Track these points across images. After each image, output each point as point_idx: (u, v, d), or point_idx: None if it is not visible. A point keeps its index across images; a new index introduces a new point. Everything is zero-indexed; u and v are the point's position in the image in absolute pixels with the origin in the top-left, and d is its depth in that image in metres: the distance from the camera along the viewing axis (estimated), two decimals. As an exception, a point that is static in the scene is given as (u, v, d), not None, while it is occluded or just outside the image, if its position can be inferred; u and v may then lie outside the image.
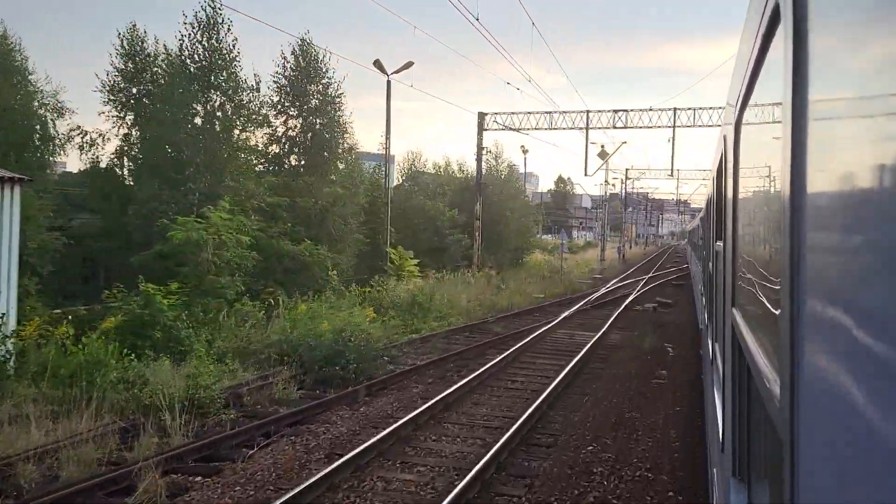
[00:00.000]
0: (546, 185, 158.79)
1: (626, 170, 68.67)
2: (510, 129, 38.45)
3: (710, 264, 6.21)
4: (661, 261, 69.67)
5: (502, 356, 16.03)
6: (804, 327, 1.09)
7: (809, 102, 1.10)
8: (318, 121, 23.75)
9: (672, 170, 37.42)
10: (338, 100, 23.86)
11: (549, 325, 21.37)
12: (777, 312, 1.35)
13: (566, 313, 24.52)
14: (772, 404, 1.42)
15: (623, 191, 70.54)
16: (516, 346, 17.23)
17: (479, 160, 39.08)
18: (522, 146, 53.28)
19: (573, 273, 45.96)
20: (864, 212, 0.78)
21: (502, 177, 44.89)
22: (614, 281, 40.87)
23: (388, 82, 26.70)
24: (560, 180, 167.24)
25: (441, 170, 43.78)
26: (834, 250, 0.95)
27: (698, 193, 70.13)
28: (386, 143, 27.30)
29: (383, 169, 30.92)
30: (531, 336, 19.07)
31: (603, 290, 34.25)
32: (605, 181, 56.78)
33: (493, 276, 34.71)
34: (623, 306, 27.52)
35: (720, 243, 3.97)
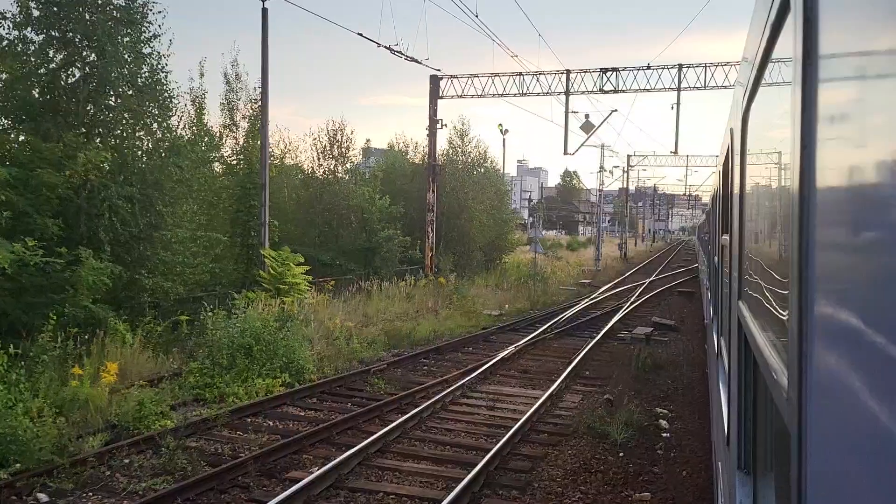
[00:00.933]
0: (556, 180, 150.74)
1: (629, 156, 59.59)
2: (470, 96, 29.65)
3: (716, 258, 6.23)
4: (668, 259, 61.11)
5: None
6: (813, 320, 1.09)
7: (819, 95, 1.09)
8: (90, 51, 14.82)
9: (676, 146, 28.58)
10: (135, 15, 14.81)
11: (468, 378, 13.62)
12: (784, 306, 1.35)
13: (512, 348, 16.63)
14: (779, 397, 1.42)
15: (625, 180, 61.44)
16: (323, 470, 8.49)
17: (432, 135, 30.56)
18: (500, 125, 44.41)
19: (557, 277, 37.10)
20: (873, 206, 0.78)
21: (469, 158, 35.99)
22: (605, 288, 32.83)
23: (264, 10, 18.04)
24: (567, 174, 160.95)
25: (396, 149, 34.84)
26: (842, 244, 0.95)
27: (710, 186, 61.22)
28: (262, 97, 18.64)
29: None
30: (410, 413, 11.27)
31: (585, 303, 26.29)
32: (601, 167, 47.68)
33: (447, 285, 25.98)
34: (604, 332, 19.60)
35: (726, 237, 4.00)
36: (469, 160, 37.39)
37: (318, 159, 27.49)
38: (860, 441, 0.81)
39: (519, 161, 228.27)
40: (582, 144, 29.28)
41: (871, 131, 0.79)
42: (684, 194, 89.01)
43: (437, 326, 19.36)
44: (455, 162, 36.31)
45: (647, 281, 36.70)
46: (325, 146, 27.48)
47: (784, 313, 1.40)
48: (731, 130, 3.42)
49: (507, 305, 24.68)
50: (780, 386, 1.39)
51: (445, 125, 30.70)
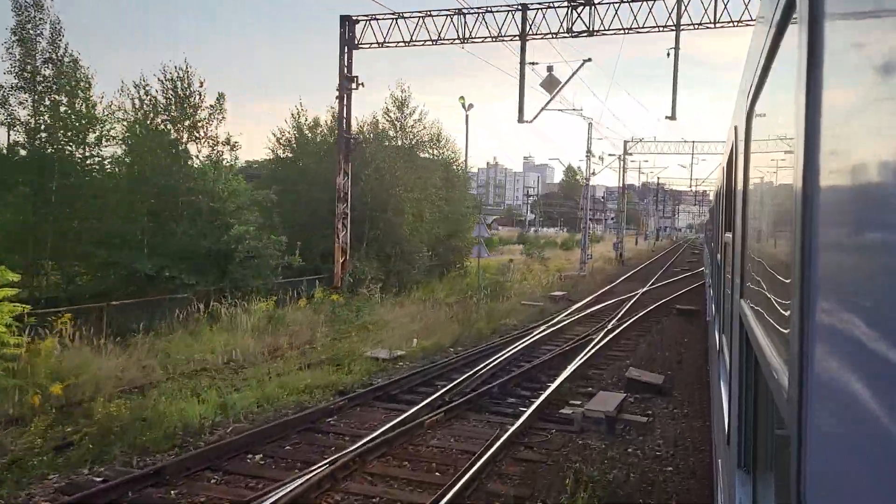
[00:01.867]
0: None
1: (625, 143, 50.89)
2: (395, 43, 21.24)
3: (719, 255, 6.14)
4: (671, 261, 53.90)
5: None
6: (814, 320, 1.09)
7: (823, 94, 1.08)
8: None
9: (673, 110, 20.21)
10: None
11: None
12: (786, 305, 1.35)
13: (341, 456, 8.96)
14: (779, 396, 1.42)
15: (621, 169, 52.44)
16: None
17: (343, 98, 22.07)
18: (462, 98, 35.86)
19: (524, 286, 28.76)
20: (876, 206, 0.78)
21: (414, 136, 27.50)
22: (583, 303, 24.82)
23: None
24: (570, 169, 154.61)
25: (302, 122, 26.25)
26: (845, 244, 0.95)
27: (716, 178, 52.18)
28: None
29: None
30: None
31: (540, 332, 18.39)
32: (588, 151, 39.04)
33: (345, 305, 19.05)
34: (543, 398, 11.94)
35: (729, 234, 3.96)
36: (414, 138, 28.70)
37: (152, 119, 18.78)
38: (860, 441, 0.81)
39: (525, 157, 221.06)
40: (544, 108, 20.67)
41: (876, 130, 0.79)
42: (690, 189, 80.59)
43: (269, 389, 11.14)
44: (390, 139, 27.63)
45: (640, 292, 28.73)
46: (155, 101, 18.79)
47: (786, 312, 1.39)
48: (735, 128, 3.41)
49: (416, 340, 16.20)
50: (781, 385, 1.39)
51: (362, 84, 21.99)
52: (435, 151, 32.30)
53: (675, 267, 46.50)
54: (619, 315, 21.45)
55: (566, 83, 20.57)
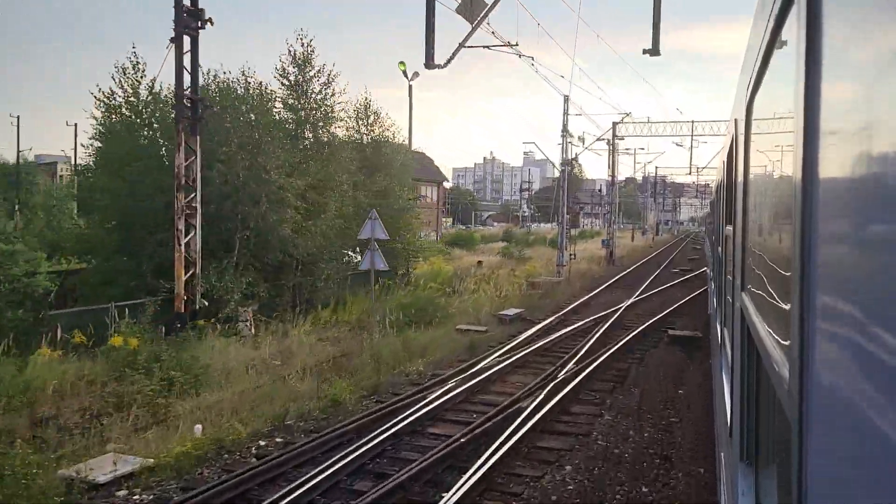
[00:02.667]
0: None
1: (614, 123, 44.12)
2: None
3: (720, 248, 6.42)
4: (670, 259, 49.08)
5: None
6: (815, 313, 1.13)
7: (822, 88, 1.12)
8: None
9: (654, 43, 12.64)
10: None
11: None
12: (787, 297, 1.41)
13: None
14: (781, 388, 1.48)
15: (610, 154, 45.15)
16: None
17: (180, 45, 14.74)
18: (402, 63, 28.54)
19: (475, 301, 21.83)
20: (876, 199, 0.82)
21: (320, 108, 20.24)
22: (533, 331, 18.74)
23: None
24: (566, 162, 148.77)
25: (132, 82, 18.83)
26: (845, 237, 0.99)
27: (718, 165, 44.48)
28: None
29: None
30: None
31: (429, 404, 11.80)
32: (563, 129, 31.78)
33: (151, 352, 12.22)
34: None
35: (730, 227, 4.14)
36: (320, 107, 21.39)
37: None
38: (861, 433, 0.84)
39: (525, 153, 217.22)
40: (462, 44, 13.52)
41: (875, 123, 0.81)
42: (690, 173, 73.23)
43: None
44: (292, 109, 20.37)
45: (624, 305, 24.07)
46: None
47: (786, 305, 1.43)
48: (735, 121, 3.53)
49: (201, 426, 9.19)
50: (782, 378, 1.45)
51: (210, 20, 14.63)
52: (364, 129, 25.01)
53: (674, 267, 41.20)
54: (585, 348, 16.54)
55: (492, 7, 13.16)
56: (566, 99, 36.08)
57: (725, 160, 5.07)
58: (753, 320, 2.20)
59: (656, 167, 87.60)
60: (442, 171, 71.47)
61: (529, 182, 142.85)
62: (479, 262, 39.94)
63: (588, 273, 37.54)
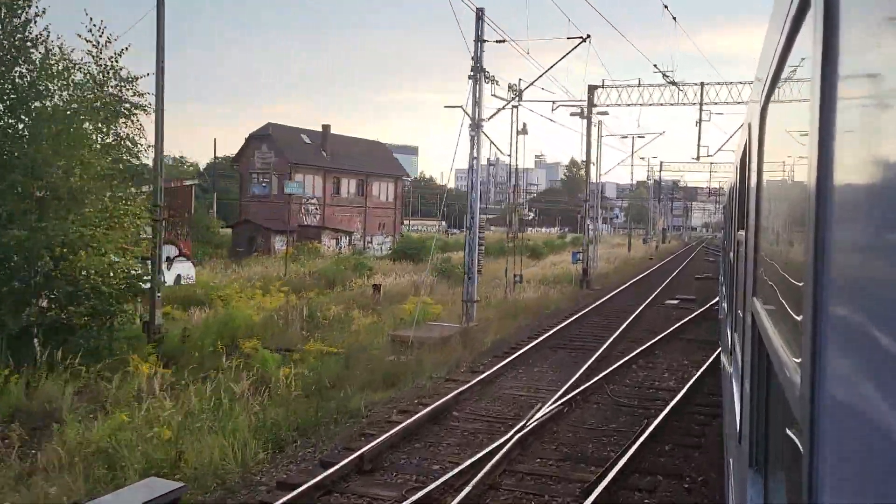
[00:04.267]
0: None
1: (590, 87, 32.30)
2: None
3: (732, 253, 6.39)
4: (673, 276, 35.99)
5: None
6: (827, 319, 1.12)
7: (839, 91, 1.11)
8: None
9: None
10: None
11: None
12: (799, 303, 1.39)
13: None
14: (792, 394, 1.45)
15: (587, 126, 31.61)
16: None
17: None
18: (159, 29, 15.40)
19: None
20: (890, 205, 0.81)
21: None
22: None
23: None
24: (573, 164, 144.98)
25: None
26: (859, 243, 0.98)
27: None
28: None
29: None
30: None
31: None
32: (476, 64, 18.40)
33: None
34: None
35: (742, 232, 4.11)
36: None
37: None
38: (873, 441, 0.83)
39: (537, 156, 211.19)
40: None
41: (890, 129, 0.80)
42: (706, 187, 60.26)
43: None
44: None
45: (522, 430, 10.75)
46: None
47: (798, 311, 1.40)
48: (749, 125, 3.49)
49: None
50: (793, 383, 1.43)
51: None
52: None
53: (674, 293, 27.84)
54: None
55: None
56: (479, 13, 20.44)
57: (738, 165, 5.09)
58: (765, 325, 2.19)
59: (661, 162, 74.06)
60: (444, 173, 60.81)
61: (537, 184, 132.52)
62: (376, 287, 27.02)
63: (533, 307, 24.21)
